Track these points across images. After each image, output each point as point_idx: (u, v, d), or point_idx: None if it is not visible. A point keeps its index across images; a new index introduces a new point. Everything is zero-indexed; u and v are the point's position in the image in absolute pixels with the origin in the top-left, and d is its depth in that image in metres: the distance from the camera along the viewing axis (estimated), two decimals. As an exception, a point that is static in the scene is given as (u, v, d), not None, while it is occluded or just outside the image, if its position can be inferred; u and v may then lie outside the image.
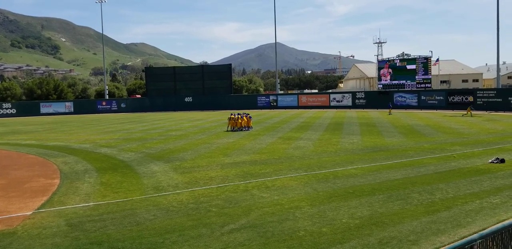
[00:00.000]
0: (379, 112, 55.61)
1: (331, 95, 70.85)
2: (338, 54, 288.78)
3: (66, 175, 17.40)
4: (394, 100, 60.39)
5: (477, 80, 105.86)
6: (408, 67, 62.75)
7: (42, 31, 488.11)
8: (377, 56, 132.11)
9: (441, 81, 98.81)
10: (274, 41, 79.21)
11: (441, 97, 56.15)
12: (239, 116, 34.83)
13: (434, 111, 54.54)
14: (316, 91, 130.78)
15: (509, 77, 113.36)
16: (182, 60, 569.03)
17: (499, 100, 49.74)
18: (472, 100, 51.90)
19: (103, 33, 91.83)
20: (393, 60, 64.28)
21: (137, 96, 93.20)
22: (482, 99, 51.48)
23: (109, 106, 75.36)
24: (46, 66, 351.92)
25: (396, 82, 63.73)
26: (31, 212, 12.11)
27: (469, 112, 45.35)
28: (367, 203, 12.18)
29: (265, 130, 34.10)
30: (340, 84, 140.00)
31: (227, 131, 33.98)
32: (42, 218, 11.49)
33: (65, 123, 50.74)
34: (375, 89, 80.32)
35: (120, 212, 11.92)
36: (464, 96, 53.58)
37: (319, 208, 11.75)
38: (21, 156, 23.27)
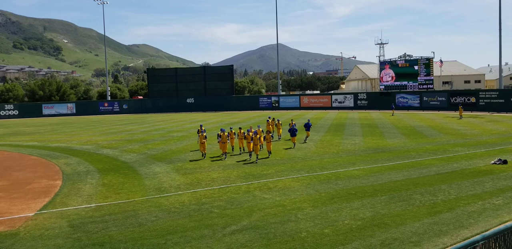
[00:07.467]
0: (381, 113, 55.54)
1: (333, 96, 70.79)
2: (340, 55, 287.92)
3: (68, 176, 17.44)
4: (396, 101, 60.31)
5: (479, 81, 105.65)
6: (410, 68, 62.65)
7: (44, 32, 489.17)
8: (379, 57, 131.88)
9: (443, 82, 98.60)
10: (276, 42, 79.34)
11: (443, 98, 56.06)
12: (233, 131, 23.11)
13: (436, 112, 54.45)
14: (318, 92, 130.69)
15: (511, 78, 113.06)
16: (184, 61, 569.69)
17: (502, 101, 49.63)
18: (474, 101, 51.81)
19: (105, 34, 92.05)
20: (395, 61, 64.18)
21: (139, 97, 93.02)
22: (485, 100, 51.38)
23: (111, 108, 75.48)
24: (48, 68, 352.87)
25: (398, 83, 63.58)
26: (33, 213, 12.14)
27: (461, 112, 44.23)
28: (369, 204, 12.17)
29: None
30: (342, 85, 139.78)
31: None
32: (44, 219, 11.51)
33: (67, 124, 50.83)
34: (377, 90, 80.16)
35: (122, 213, 11.93)
36: (467, 97, 53.51)
37: (321, 209, 11.74)
38: (23, 157, 23.32)
